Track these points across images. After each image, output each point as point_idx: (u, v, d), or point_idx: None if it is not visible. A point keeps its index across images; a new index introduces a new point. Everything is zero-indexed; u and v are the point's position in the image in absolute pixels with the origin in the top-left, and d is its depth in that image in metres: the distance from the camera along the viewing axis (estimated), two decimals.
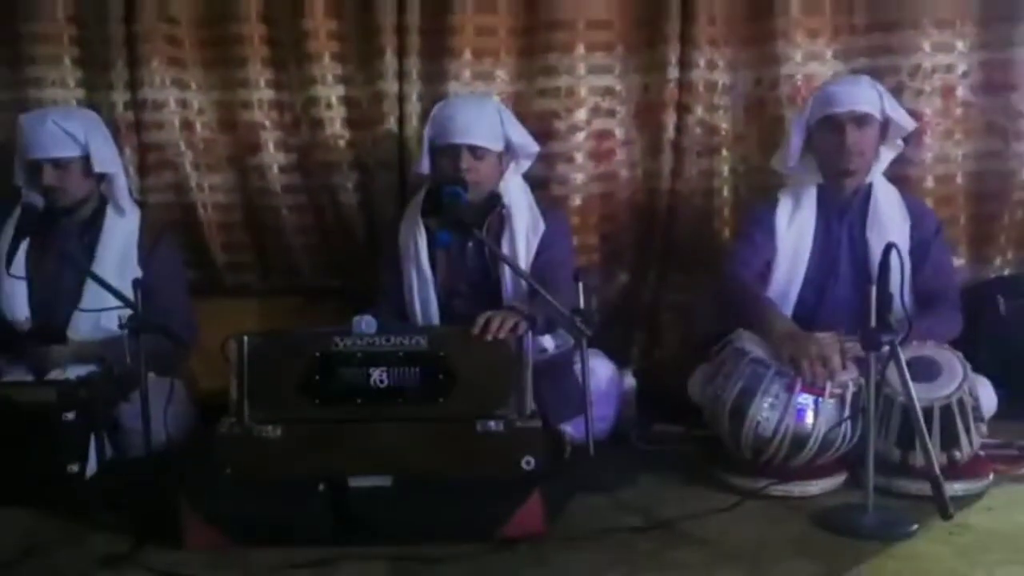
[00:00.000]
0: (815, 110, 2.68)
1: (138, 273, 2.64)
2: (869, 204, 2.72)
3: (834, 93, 2.67)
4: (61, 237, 2.74)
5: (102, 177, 2.80)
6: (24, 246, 2.63)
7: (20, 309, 2.70)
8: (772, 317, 2.54)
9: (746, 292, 2.68)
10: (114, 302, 2.37)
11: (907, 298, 2.12)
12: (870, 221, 2.70)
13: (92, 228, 2.80)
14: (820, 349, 2.35)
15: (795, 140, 2.72)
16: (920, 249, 2.68)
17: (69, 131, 2.69)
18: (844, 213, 2.74)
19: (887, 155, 2.76)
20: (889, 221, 2.69)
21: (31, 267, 2.70)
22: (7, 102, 3.18)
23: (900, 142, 2.78)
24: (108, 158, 2.79)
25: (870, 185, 2.73)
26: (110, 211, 2.82)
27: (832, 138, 2.65)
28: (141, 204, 3.03)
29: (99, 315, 2.56)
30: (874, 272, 2.11)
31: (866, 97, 2.65)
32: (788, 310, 2.69)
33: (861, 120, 2.64)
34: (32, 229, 2.63)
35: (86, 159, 2.72)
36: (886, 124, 2.69)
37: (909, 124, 2.74)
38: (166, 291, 2.73)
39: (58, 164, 2.70)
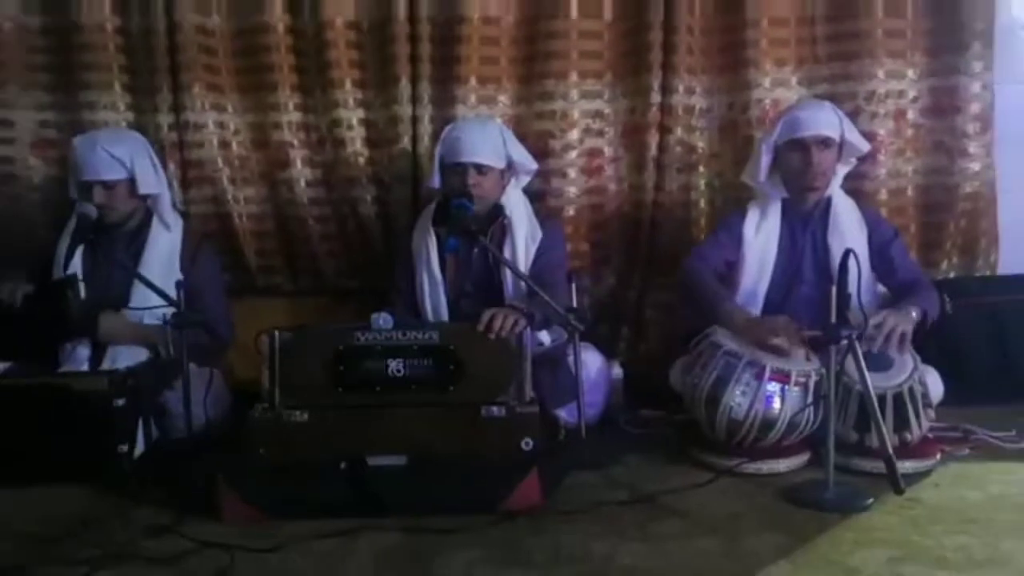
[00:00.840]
0: (784, 133, 2.68)
1: (180, 277, 2.63)
2: (829, 214, 2.72)
3: (801, 119, 2.66)
4: (111, 245, 2.73)
5: (147, 195, 2.79)
6: (79, 251, 2.63)
7: None
8: (729, 307, 2.56)
9: (701, 280, 2.67)
10: (158, 302, 2.37)
11: (865, 298, 2.11)
12: (831, 229, 2.70)
13: (138, 238, 2.80)
14: (777, 329, 2.41)
15: (764, 159, 2.72)
16: (884, 251, 2.70)
17: (116, 156, 2.68)
18: (807, 223, 2.74)
19: (842, 171, 2.77)
20: (847, 229, 2.70)
21: (86, 271, 2.69)
22: (64, 123, 3.17)
23: (853, 159, 2.79)
24: (152, 180, 2.78)
25: (829, 198, 2.73)
26: (155, 222, 2.81)
27: (799, 158, 2.66)
28: (184, 215, 3.02)
29: (144, 312, 2.56)
30: (835, 274, 2.11)
31: (829, 122, 2.66)
32: (757, 309, 2.69)
33: (824, 143, 2.64)
34: (86, 236, 2.62)
35: (132, 180, 2.72)
36: (842, 144, 2.70)
37: (863, 146, 2.75)
38: (206, 293, 2.73)
39: (106, 185, 2.69)
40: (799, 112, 2.70)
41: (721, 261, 2.76)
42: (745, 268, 2.74)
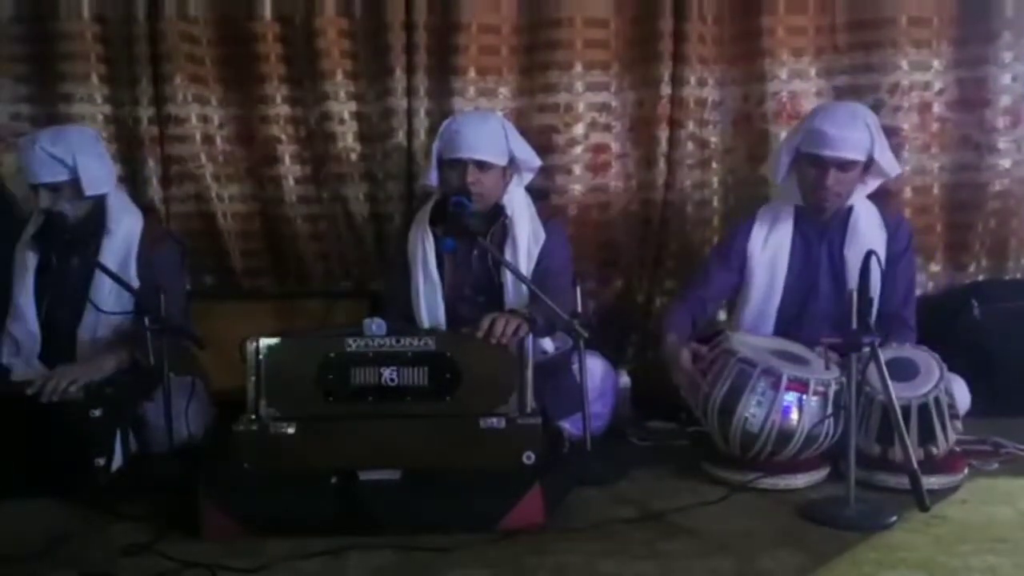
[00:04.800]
0: (806, 142, 2.57)
1: (136, 277, 2.61)
2: (849, 223, 2.66)
3: (828, 136, 2.51)
4: (67, 251, 2.67)
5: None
6: (35, 260, 2.63)
7: (30, 318, 2.64)
8: (670, 340, 2.61)
9: (666, 317, 2.76)
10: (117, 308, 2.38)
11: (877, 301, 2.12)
12: (848, 239, 2.65)
13: (93, 241, 2.67)
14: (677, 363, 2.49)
15: (784, 159, 2.66)
16: (890, 264, 2.59)
17: (57, 156, 2.54)
18: (823, 233, 2.69)
19: (872, 183, 2.67)
20: (867, 239, 2.61)
21: (42, 276, 2.66)
22: (39, 117, 3.19)
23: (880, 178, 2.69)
24: (99, 179, 2.62)
25: (851, 206, 2.66)
26: (109, 221, 2.68)
27: (814, 174, 2.58)
28: (147, 210, 2.87)
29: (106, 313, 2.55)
30: (853, 280, 2.10)
31: (857, 144, 2.54)
32: (768, 325, 2.68)
33: (846, 166, 2.56)
34: (43, 239, 2.62)
35: (77, 180, 2.58)
36: (870, 161, 2.59)
37: (893, 170, 2.66)
38: (164, 293, 2.53)
39: (51, 188, 2.59)
40: (827, 127, 2.53)
41: (713, 294, 2.79)
42: (754, 286, 2.71)
